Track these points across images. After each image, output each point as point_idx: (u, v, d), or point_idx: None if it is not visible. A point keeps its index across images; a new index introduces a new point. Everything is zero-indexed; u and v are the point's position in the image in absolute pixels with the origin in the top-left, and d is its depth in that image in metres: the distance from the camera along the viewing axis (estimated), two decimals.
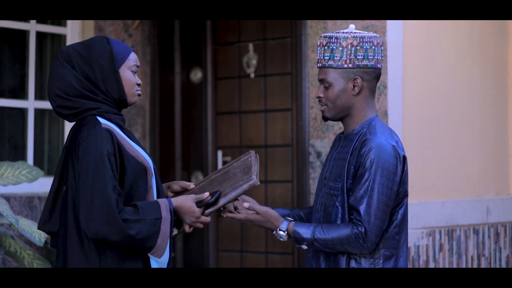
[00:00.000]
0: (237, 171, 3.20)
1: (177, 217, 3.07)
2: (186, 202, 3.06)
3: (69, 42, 5.94)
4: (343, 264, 3.13)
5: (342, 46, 3.15)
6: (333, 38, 3.16)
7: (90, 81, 3.01)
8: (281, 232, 3.16)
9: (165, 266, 3.02)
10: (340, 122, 3.28)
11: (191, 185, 3.26)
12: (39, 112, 5.81)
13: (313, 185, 5.44)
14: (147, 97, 6.21)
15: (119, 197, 2.90)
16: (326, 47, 3.17)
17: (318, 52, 3.20)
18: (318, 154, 5.45)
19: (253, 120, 5.93)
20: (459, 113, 5.76)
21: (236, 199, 3.14)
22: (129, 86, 3.07)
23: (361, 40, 3.14)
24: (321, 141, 5.44)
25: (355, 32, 3.16)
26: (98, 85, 3.02)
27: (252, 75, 5.93)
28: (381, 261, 3.12)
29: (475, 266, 5.77)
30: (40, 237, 4.39)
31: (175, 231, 3.13)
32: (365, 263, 3.12)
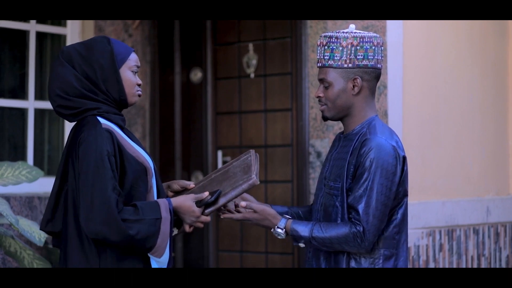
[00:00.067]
0: (237, 171, 3.20)
1: (177, 217, 3.07)
2: (186, 201, 3.06)
3: (69, 42, 5.94)
4: (343, 264, 3.13)
5: (342, 46, 3.15)
6: (333, 38, 3.16)
7: (91, 81, 3.01)
8: (279, 230, 3.16)
9: (165, 266, 3.02)
10: (340, 122, 3.28)
11: (191, 184, 3.25)
12: (39, 112, 5.81)
13: (313, 185, 5.44)
14: (147, 97, 6.21)
15: (119, 197, 2.90)
16: (326, 47, 3.17)
17: (318, 51, 3.20)
18: (318, 154, 5.45)
19: (253, 120, 5.93)
20: (459, 113, 5.76)
21: (236, 198, 3.14)
22: (130, 86, 3.07)
23: (361, 40, 3.14)
24: (321, 141, 5.44)
25: (355, 32, 3.16)
26: (99, 85, 3.02)
27: (252, 75, 5.93)
28: (381, 261, 3.12)
29: (475, 266, 5.77)
30: (40, 237, 4.38)
31: (175, 231, 3.13)
32: (365, 263, 3.12)
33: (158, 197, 3.09)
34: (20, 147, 5.73)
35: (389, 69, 5.25)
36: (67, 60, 3.03)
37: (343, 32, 3.16)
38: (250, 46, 5.94)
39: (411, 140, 5.29)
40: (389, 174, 3.08)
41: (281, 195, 5.76)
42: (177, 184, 3.26)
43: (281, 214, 3.27)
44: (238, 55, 6.01)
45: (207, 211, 3.09)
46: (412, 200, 5.02)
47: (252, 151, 3.30)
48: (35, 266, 4.48)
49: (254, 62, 5.92)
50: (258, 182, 3.10)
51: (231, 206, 3.21)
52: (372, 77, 3.19)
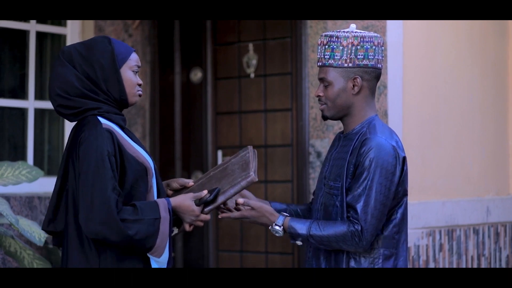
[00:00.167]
0: (235, 168, 3.19)
1: (176, 216, 3.07)
2: (185, 201, 3.06)
3: (69, 42, 5.94)
4: (343, 263, 3.13)
5: (343, 45, 3.15)
6: (334, 37, 3.16)
7: (91, 81, 3.01)
8: (277, 227, 3.15)
9: (165, 266, 3.02)
10: (340, 122, 3.27)
11: (190, 182, 3.25)
12: (39, 112, 5.81)
13: (313, 185, 5.44)
14: (147, 97, 6.21)
15: (119, 198, 2.90)
16: (326, 46, 3.17)
17: (319, 51, 3.20)
18: (318, 154, 5.45)
19: (253, 120, 5.93)
20: (459, 113, 5.76)
21: (235, 195, 3.13)
22: (130, 86, 3.07)
23: (361, 39, 3.15)
24: (321, 141, 5.44)
25: (356, 32, 3.16)
26: (99, 85, 3.02)
27: (252, 75, 5.93)
28: (380, 261, 3.12)
29: (475, 266, 5.77)
30: (40, 237, 4.38)
31: (175, 230, 3.13)
32: (364, 263, 3.12)
33: (158, 197, 3.09)
34: (20, 147, 5.73)
35: (389, 69, 5.25)
36: (67, 60, 3.03)
37: (344, 32, 3.16)
38: (250, 46, 5.94)
39: (411, 140, 5.29)
40: (389, 174, 3.08)
41: (281, 195, 5.76)
42: (176, 182, 3.26)
43: (279, 211, 3.26)
44: (238, 55, 6.01)
45: (206, 209, 3.08)
46: (412, 200, 5.02)
47: (250, 147, 3.29)
48: (35, 266, 4.48)
49: (254, 62, 5.92)
50: (257, 179, 3.10)
51: (230, 204, 3.21)
52: (372, 77, 3.19)
